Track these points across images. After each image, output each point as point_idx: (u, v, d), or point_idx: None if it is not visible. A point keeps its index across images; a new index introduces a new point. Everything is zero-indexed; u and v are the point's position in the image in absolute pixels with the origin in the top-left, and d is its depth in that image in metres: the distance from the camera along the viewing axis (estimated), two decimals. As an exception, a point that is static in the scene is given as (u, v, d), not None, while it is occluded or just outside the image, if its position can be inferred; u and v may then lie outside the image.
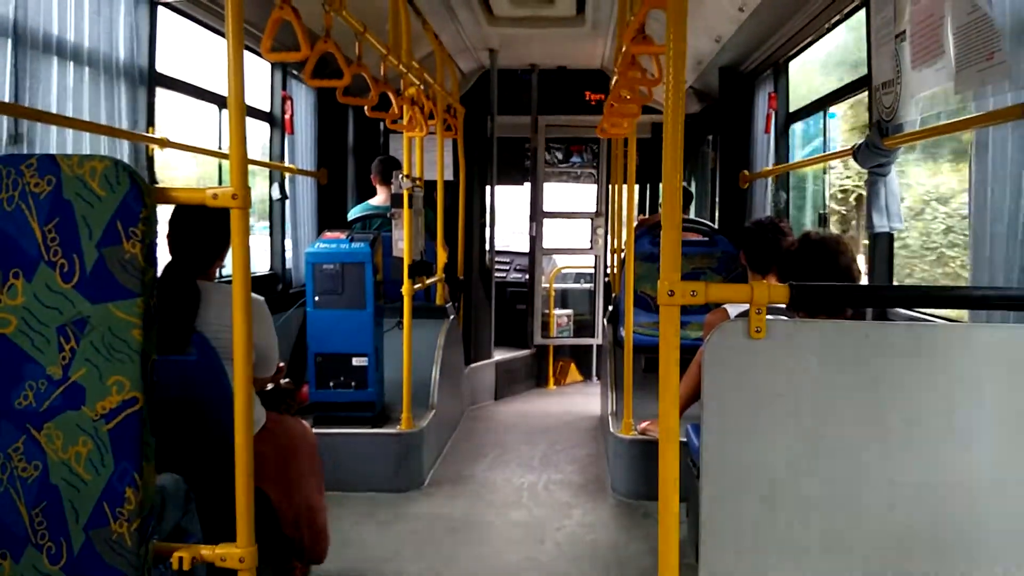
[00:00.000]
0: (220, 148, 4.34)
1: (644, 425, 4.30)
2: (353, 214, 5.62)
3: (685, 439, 3.13)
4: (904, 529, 1.73)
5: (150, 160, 3.63)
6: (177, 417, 2.47)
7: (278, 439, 2.98)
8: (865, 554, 1.74)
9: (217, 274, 2.93)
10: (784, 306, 1.93)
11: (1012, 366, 1.70)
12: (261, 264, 5.34)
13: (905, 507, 1.73)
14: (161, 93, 3.78)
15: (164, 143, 3.63)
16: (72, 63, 3.03)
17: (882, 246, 3.46)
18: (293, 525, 3.02)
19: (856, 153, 3.27)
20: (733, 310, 3.21)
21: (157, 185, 3.07)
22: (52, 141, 2.94)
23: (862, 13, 3.43)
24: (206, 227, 2.74)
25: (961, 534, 1.72)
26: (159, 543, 1.89)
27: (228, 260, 2.25)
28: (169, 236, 2.76)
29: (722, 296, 1.80)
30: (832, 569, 1.75)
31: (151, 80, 3.57)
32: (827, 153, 4.36)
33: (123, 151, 3.37)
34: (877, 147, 3.11)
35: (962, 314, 3.02)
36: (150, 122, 3.57)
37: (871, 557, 1.74)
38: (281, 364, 3.15)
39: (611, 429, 4.48)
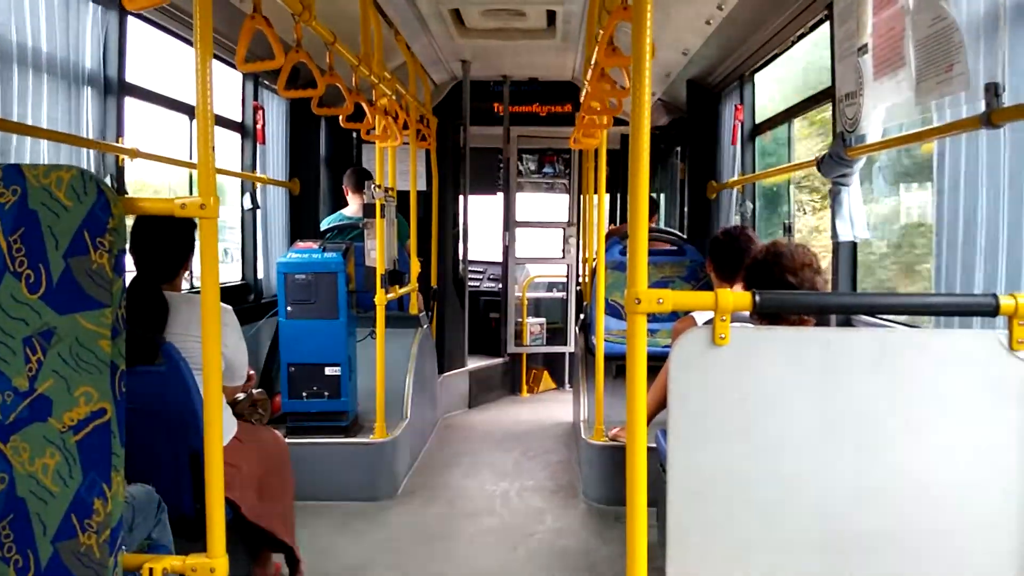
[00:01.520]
0: (192, 158, 4.32)
1: (615, 431, 4.33)
2: (326, 224, 5.62)
3: (655, 444, 3.16)
4: (866, 531, 1.76)
5: (120, 170, 3.62)
6: (147, 428, 2.46)
7: (250, 449, 2.97)
8: (829, 556, 1.77)
9: (184, 283, 2.93)
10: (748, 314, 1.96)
11: (971, 371, 1.75)
12: (233, 274, 5.33)
13: (867, 509, 1.76)
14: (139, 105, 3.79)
15: (134, 153, 3.61)
16: (41, 73, 3.02)
17: (845, 255, 3.53)
18: (266, 534, 3.02)
19: (820, 164, 3.33)
20: (701, 317, 3.25)
21: (126, 195, 3.07)
22: (25, 151, 2.93)
23: (826, 26, 3.50)
24: (168, 236, 2.74)
25: (923, 536, 1.76)
26: (129, 554, 1.88)
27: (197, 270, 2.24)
28: (131, 247, 2.75)
29: (687, 304, 1.83)
30: (797, 569, 1.78)
31: (120, 90, 3.56)
32: (791, 164, 4.43)
33: (93, 161, 3.36)
34: (840, 157, 3.17)
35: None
36: (119, 132, 3.55)
37: (835, 558, 1.77)
38: (251, 373, 3.15)
39: (583, 436, 4.51)
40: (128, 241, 2.75)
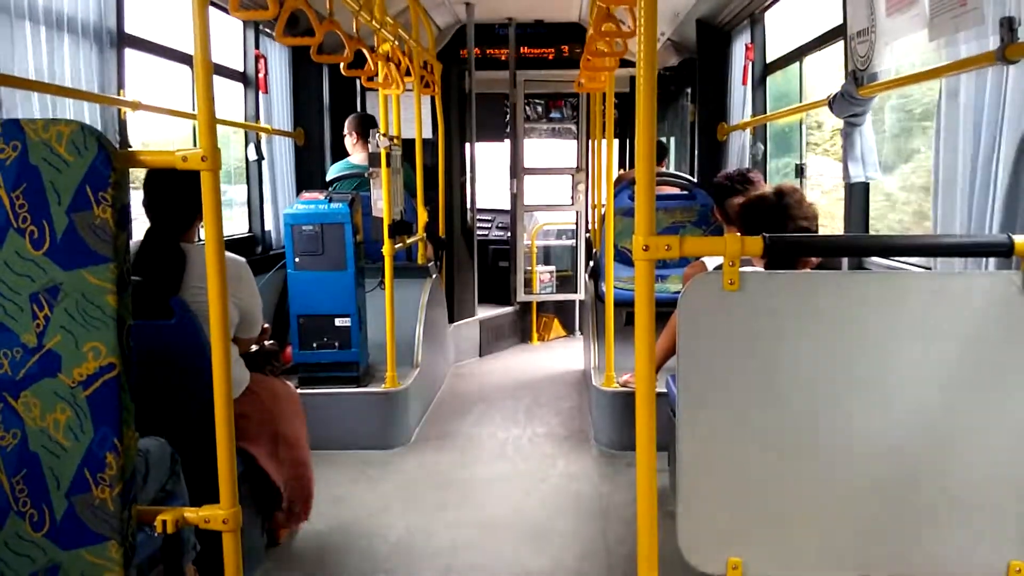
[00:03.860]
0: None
1: (626, 377, 4.35)
2: (333, 173, 5.56)
3: (665, 390, 3.17)
4: (881, 475, 1.76)
5: (122, 124, 3.58)
6: (161, 381, 2.48)
7: (262, 400, 3.00)
8: (841, 500, 1.77)
9: (198, 235, 2.92)
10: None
11: (986, 313, 1.73)
12: (240, 226, 5.32)
13: (882, 454, 1.76)
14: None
15: (136, 106, 3.58)
16: (39, 25, 2.97)
17: (857, 195, 3.48)
18: (279, 484, 3.06)
19: (832, 103, 3.26)
20: (711, 263, 3.23)
21: (129, 148, 3.05)
22: (33, 106, 2.90)
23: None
24: (180, 188, 2.71)
25: (939, 479, 1.76)
26: (143, 507, 1.91)
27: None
28: (145, 201, 2.74)
29: (696, 249, 1.81)
30: (808, 514, 1.79)
31: (120, 41, 3.51)
32: (802, 104, 4.36)
33: (95, 114, 3.33)
34: (852, 96, 3.11)
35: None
36: (120, 84, 3.51)
37: (847, 503, 1.77)
38: (266, 326, 3.15)
39: (593, 382, 4.53)
40: (142, 195, 2.75)
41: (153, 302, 2.51)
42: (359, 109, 6.69)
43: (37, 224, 1.74)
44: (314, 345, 4.33)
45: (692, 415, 1.77)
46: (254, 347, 3.19)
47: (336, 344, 4.33)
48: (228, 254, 2.79)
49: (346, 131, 5.58)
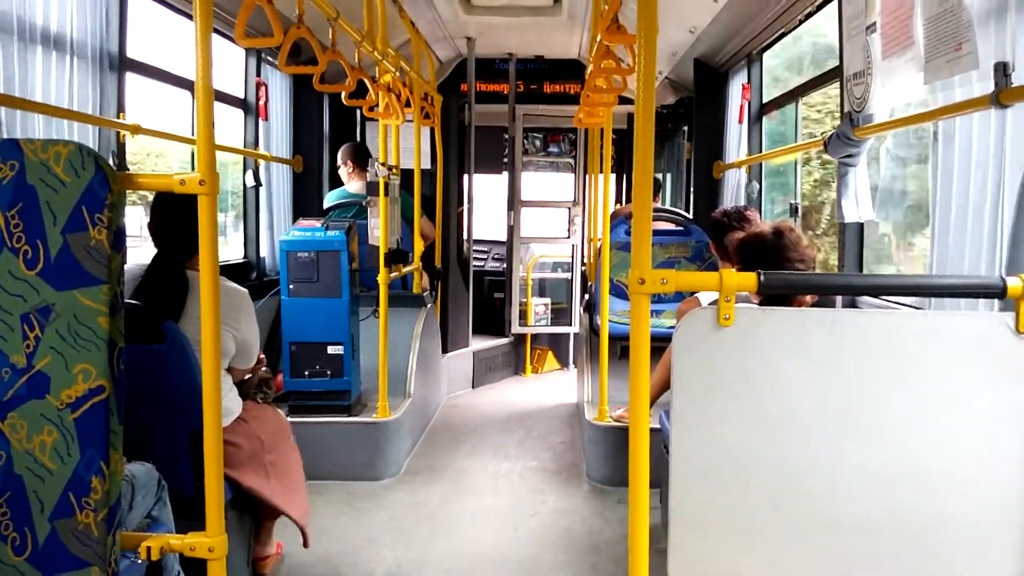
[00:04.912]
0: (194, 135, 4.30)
1: (619, 412, 4.33)
2: (330, 201, 5.58)
3: (659, 425, 3.16)
4: (870, 514, 1.75)
5: (121, 146, 3.60)
6: (149, 406, 2.46)
7: (253, 428, 2.97)
8: (832, 539, 1.76)
9: None
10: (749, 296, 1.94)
11: (978, 354, 1.73)
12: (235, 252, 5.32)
13: (871, 492, 1.75)
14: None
15: (136, 129, 3.59)
16: (42, 48, 2.99)
17: (851, 235, 3.50)
18: (269, 512, 3.03)
19: (827, 144, 3.29)
20: (706, 298, 3.24)
21: (126, 171, 3.05)
22: (31, 126, 2.91)
23: (834, 4, 3.46)
24: (186, 214, 2.71)
25: (928, 519, 1.75)
26: (127, 533, 1.88)
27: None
28: (151, 225, 2.73)
29: (691, 284, 1.82)
30: (799, 552, 1.77)
31: (121, 65, 3.53)
32: (798, 144, 4.39)
33: (94, 137, 3.34)
34: (848, 137, 3.14)
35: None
36: (120, 108, 3.53)
37: (838, 540, 1.76)
38: (261, 356, 3.14)
39: (586, 416, 4.50)
40: (148, 219, 2.74)
41: (153, 327, 2.50)
42: (359, 138, 6.73)
43: (31, 244, 1.74)
44: (306, 373, 4.30)
45: (685, 451, 1.76)
46: (247, 375, 3.17)
47: (328, 372, 4.31)
48: (231, 284, 2.79)
49: (340, 160, 5.60)
